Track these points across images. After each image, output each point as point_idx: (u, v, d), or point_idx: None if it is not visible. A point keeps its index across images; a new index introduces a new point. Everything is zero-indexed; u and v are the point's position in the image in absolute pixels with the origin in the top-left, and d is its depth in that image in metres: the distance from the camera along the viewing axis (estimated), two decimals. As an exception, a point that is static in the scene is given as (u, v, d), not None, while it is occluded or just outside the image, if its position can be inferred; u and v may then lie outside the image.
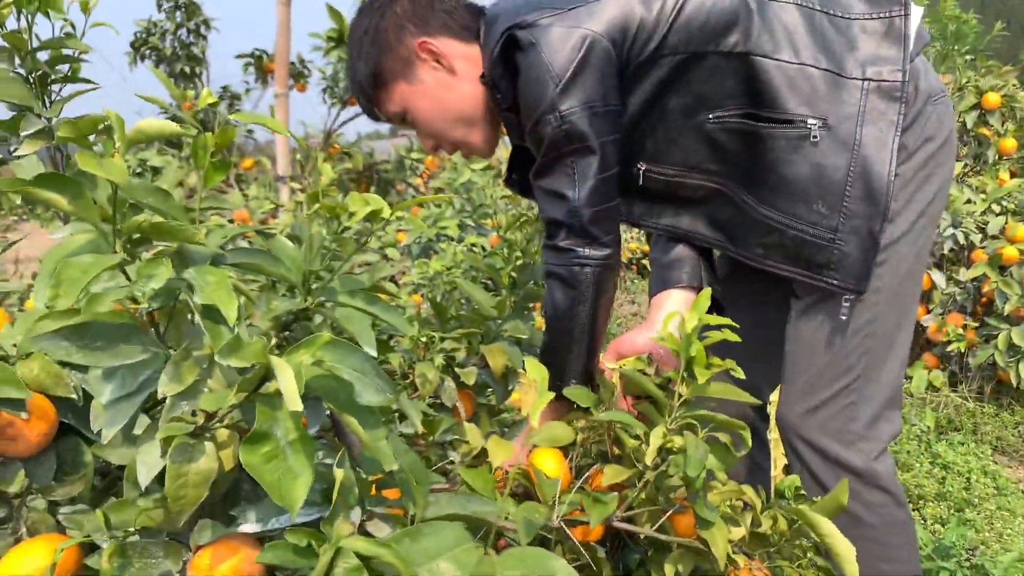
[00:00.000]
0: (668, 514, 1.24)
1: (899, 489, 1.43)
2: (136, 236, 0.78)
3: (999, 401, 3.18)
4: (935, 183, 1.37)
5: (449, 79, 1.35)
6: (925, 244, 1.39)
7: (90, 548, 0.91)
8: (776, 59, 1.26)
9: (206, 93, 0.90)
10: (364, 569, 0.79)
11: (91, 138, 0.80)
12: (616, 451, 1.38)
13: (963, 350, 3.15)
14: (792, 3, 1.29)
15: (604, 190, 1.27)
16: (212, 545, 0.87)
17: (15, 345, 1.00)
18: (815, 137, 1.25)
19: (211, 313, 0.78)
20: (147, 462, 0.83)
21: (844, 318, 1.34)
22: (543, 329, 1.37)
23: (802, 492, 1.38)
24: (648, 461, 1.20)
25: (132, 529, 0.87)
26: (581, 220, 1.25)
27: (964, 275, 3.20)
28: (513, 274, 1.61)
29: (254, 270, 0.89)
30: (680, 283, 1.42)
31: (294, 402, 0.72)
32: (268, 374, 0.80)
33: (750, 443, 1.21)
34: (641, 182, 1.38)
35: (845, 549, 1.17)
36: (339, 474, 0.84)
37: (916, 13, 1.31)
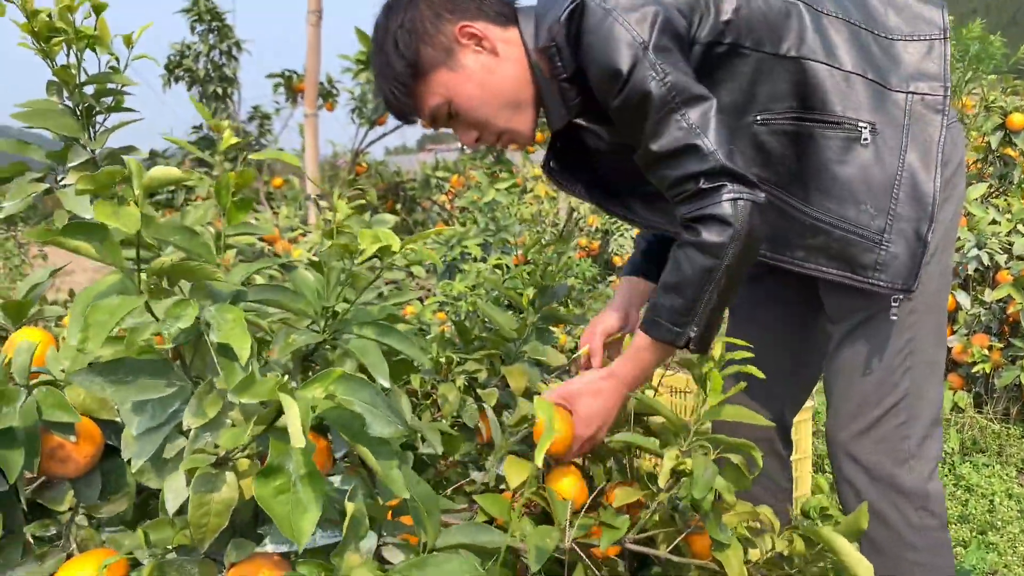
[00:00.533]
0: (683, 535, 1.26)
1: (945, 512, 1.43)
2: (161, 275, 0.83)
3: (1026, 422, 3.14)
4: (953, 204, 1.40)
5: (493, 61, 1.31)
6: (949, 264, 1.42)
7: (133, 564, 0.95)
8: (829, 64, 1.29)
9: (228, 134, 0.95)
10: None
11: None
12: (626, 464, 1.40)
13: (988, 371, 3.13)
14: (841, 19, 1.33)
15: (725, 132, 1.22)
16: (244, 563, 0.91)
17: (63, 370, 1.05)
18: (865, 140, 1.29)
19: (226, 351, 0.82)
20: (174, 490, 0.87)
21: (894, 318, 1.32)
22: (665, 287, 1.26)
23: (829, 513, 1.39)
24: (661, 483, 1.22)
25: (170, 547, 0.91)
26: (720, 161, 1.19)
27: (989, 296, 3.18)
28: (532, 295, 1.64)
29: (275, 305, 0.93)
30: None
31: (298, 439, 0.75)
32: (282, 408, 0.84)
33: (761, 464, 1.23)
34: None
35: (862, 568, 1.18)
36: (350, 507, 0.87)
37: None
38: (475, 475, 1.59)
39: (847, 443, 1.43)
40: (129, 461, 0.99)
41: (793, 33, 1.30)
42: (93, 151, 1.37)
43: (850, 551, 1.22)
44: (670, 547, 1.27)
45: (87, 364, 0.81)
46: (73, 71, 1.35)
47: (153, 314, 0.81)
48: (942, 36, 1.33)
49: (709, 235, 1.19)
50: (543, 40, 1.28)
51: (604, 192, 1.51)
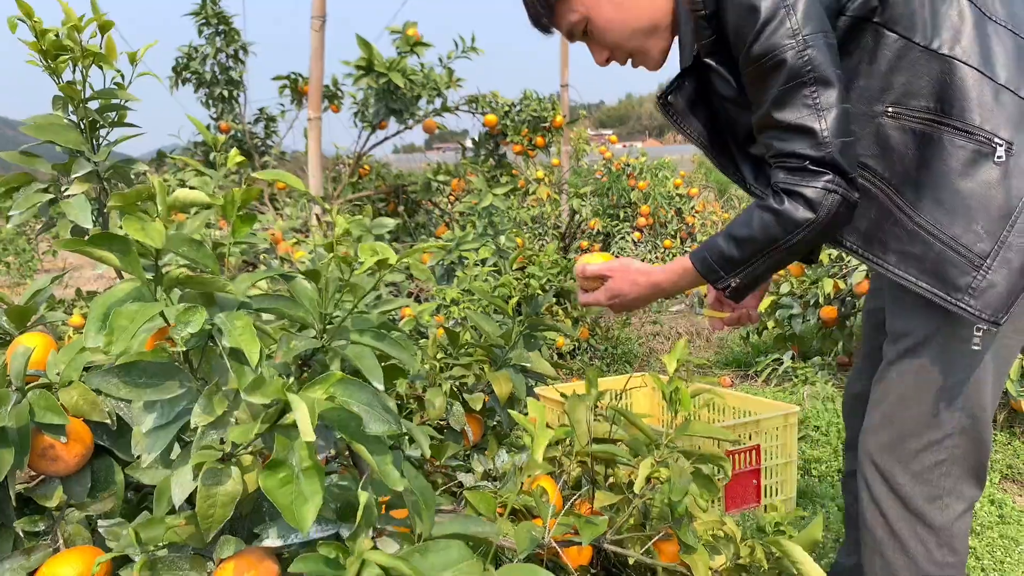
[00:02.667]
0: (653, 541, 1.33)
1: (967, 550, 1.41)
2: (174, 285, 0.90)
3: (1012, 430, 3.20)
4: None
5: None
6: None
7: (122, 560, 1.02)
8: (981, 71, 1.23)
9: (234, 153, 1.02)
10: None
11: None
12: (602, 475, 1.47)
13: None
14: (1009, 29, 1.26)
15: (847, 123, 1.23)
16: (234, 558, 0.97)
17: (58, 373, 1.12)
18: (999, 157, 1.22)
19: (237, 355, 0.90)
20: (181, 483, 0.94)
21: (976, 348, 1.28)
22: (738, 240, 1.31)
23: (782, 529, 1.45)
24: (637, 489, 1.29)
25: (161, 544, 0.98)
26: (832, 152, 1.20)
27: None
28: (519, 305, 1.71)
29: (277, 313, 1.00)
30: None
31: (308, 434, 0.83)
32: (286, 407, 0.91)
33: (730, 474, 1.31)
34: None
35: (816, 575, 1.25)
36: (363, 496, 0.94)
37: None
38: (463, 477, 1.66)
39: (883, 465, 1.39)
40: (120, 460, 1.07)
41: (950, 29, 1.24)
42: (96, 163, 1.45)
43: (806, 560, 1.30)
44: (642, 551, 1.34)
45: (103, 366, 0.88)
46: (78, 87, 1.42)
47: (167, 320, 0.88)
48: None
49: (791, 210, 1.22)
50: None
51: (718, 143, 1.47)
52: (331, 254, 1.01)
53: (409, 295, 4.04)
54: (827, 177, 1.21)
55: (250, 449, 0.94)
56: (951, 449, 1.34)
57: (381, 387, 1.02)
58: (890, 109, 1.28)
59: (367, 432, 0.94)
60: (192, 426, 0.91)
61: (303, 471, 0.86)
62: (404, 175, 5.52)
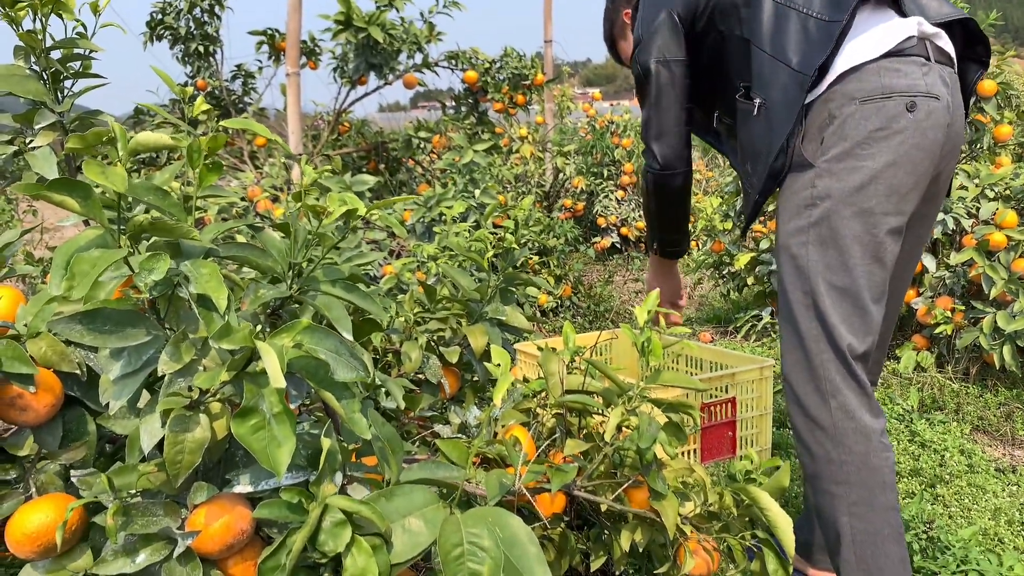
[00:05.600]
0: (624, 487, 1.35)
1: (866, 450, 1.47)
2: (138, 231, 0.89)
3: (984, 382, 3.26)
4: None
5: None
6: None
7: (97, 508, 1.03)
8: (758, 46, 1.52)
9: (200, 102, 1.00)
10: (348, 523, 0.90)
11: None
12: (576, 426, 1.49)
13: (950, 332, 3.23)
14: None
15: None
16: (207, 504, 0.98)
17: (26, 325, 1.12)
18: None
19: (204, 301, 0.90)
20: (149, 431, 0.95)
21: (789, 248, 1.56)
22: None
23: (752, 477, 1.48)
24: (607, 437, 1.31)
25: (134, 491, 0.99)
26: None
27: (954, 259, 3.27)
28: (495, 260, 1.71)
29: (244, 262, 1.00)
30: None
31: (277, 380, 0.83)
32: (254, 355, 0.91)
33: (699, 423, 1.34)
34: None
35: (782, 520, 1.28)
36: (326, 443, 0.95)
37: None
38: (439, 429, 1.67)
39: (789, 379, 1.55)
40: (92, 411, 1.07)
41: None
42: (61, 114, 1.42)
43: (772, 506, 1.33)
44: (612, 497, 1.37)
45: (67, 314, 0.88)
46: (39, 36, 1.40)
47: (131, 267, 0.88)
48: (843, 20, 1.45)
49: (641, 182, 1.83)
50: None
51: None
52: (299, 203, 1.00)
53: (391, 253, 4.02)
54: (646, 162, 1.78)
55: (218, 397, 0.95)
56: (819, 355, 1.47)
57: (349, 336, 1.02)
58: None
59: (335, 379, 0.95)
60: (159, 374, 0.91)
61: (274, 416, 0.86)
62: (385, 133, 5.45)
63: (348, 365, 0.95)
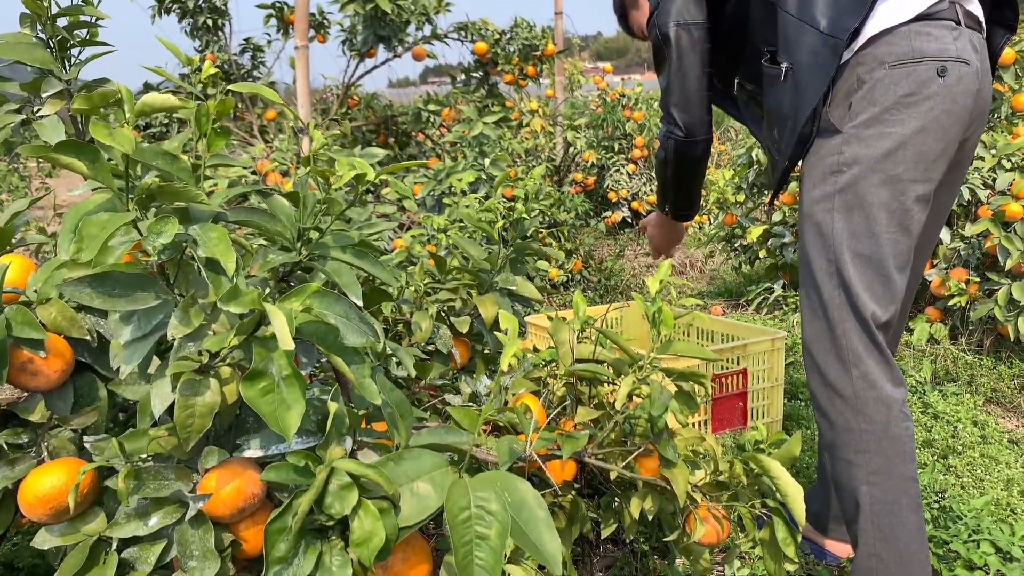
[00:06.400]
0: (634, 455, 1.35)
1: (886, 420, 1.46)
2: (146, 196, 0.89)
3: (998, 354, 3.23)
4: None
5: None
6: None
7: (108, 472, 1.04)
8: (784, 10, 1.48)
9: (208, 65, 1.00)
10: (354, 486, 0.90)
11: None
12: (586, 395, 1.48)
13: (965, 304, 3.21)
14: None
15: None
16: (218, 468, 0.99)
17: (36, 291, 1.12)
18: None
19: (213, 265, 0.89)
20: (160, 395, 0.95)
21: (814, 209, 1.54)
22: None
23: (762, 447, 1.48)
24: (618, 405, 1.31)
25: (145, 456, 0.99)
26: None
27: (969, 230, 3.24)
28: (505, 231, 1.70)
29: (253, 227, 0.99)
30: None
31: (287, 342, 0.83)
32: (263, 319, 0.91)
33: (711, 391, 1.33)
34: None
35: (793, 489, 1.27)
36: (332, 406, 0.95)
37: None
38: (450, 398, 1.67)
39: (809, 348, 1.53)
40: (103, 376, 1.08)
41: None
42: (68, 82, 1.42)
43: (783, 474, 1.32)
44: (622, 465, 1.36)
45: (76, 277, 0.88)
46: (45, 3, 1.38)
47: (139, 230, 0.87)
48: None
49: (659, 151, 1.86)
50: None
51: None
52: (308, 168, 0.99)
53: (401, 227, 4.02)
54: (665, 127, 1.72)
55: (228, 361, 0.95)
56: (842, 324, 1.46)
57: (359, 302, 1.02)
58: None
59: (345, 344, 0.94)
60: (169, 338, 0.91)
61: (283, 379, 0.86)
62: (394, 107, 5.43)
63: (358, 330, 0.94)
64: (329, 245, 1.06)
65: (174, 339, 0.92)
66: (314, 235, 1.02)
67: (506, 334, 1.51)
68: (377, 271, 1.07)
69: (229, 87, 1.01)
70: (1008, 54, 3.53)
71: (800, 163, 1.56)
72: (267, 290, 0.94)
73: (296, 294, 0.91)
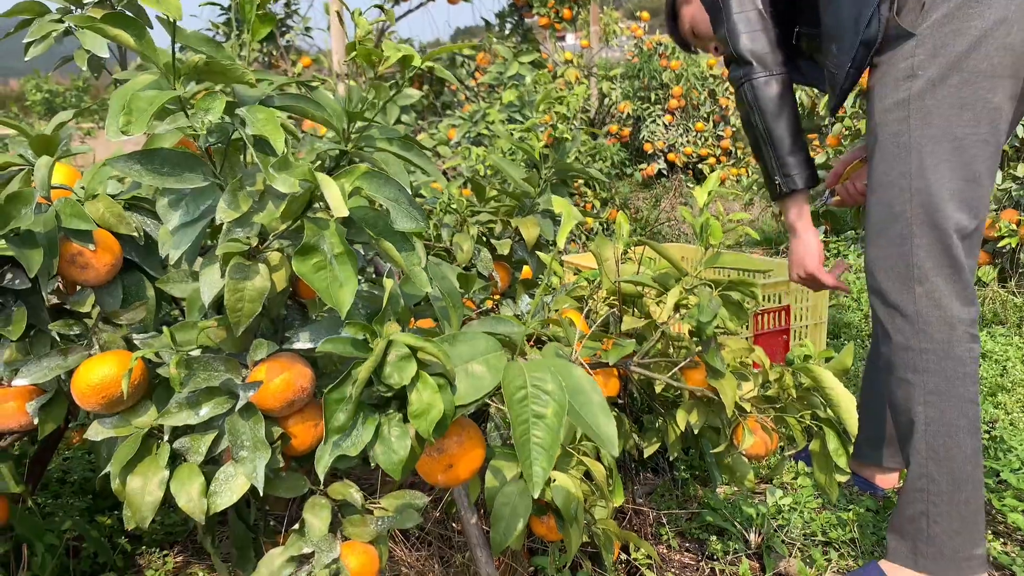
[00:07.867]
0: (680, 367, 1.32)
1: (947, 339, 1.42)
2: (193, 72, 0.87)
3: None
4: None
5: None
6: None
7: (158, 369, 1.04)
8: None
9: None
10: (413, 359, 0.88)
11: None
12: (630, 313, 1.46)
13: (1015, 246, 3.12)
14: None
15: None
16: (267, 361, 0.98)
17: (83, 188, 1.12)
18: None
19: (261, 144, 0.88)
20: (209, 282, 0.94)
21: (898, 140, 1.47)
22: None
23: (812, 361, 1.44)
24: (665, 316, 1.28)
25: (195, 347, 0.99)
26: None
27: (1021, 170, 3.13)
28: (545, 151, 1.66)
29: (299, 113, 0.98)
30: None
31: (340, 209, 0.81)
32: (314, 198, 0.90)
33: (760, 301, 1.30)
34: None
35: (846, 400, 1.24)
36: (388, 283, 0.93)
37: None
38: (504, 309, 1.66)
39: (872, 270, 1.47)
40: (150, 275, 1.07)
41: None
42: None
43: (836, 385, 1.28)
44: (668, 375, 1.34)
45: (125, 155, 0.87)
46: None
47: (185, 110, 0.86)
48: None
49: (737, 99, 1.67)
50: None
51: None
52: (353, 53, 0.97)
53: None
54: (738, 74, 1.59)
55: (276, 247, 0.94)
56: (911, 239, 1.40)
57: (408, 190, 1.00)
58: None
59: (395, 229, 0.93)
60: (217, 221, 0.90)
61: (336, 256, 0.85)
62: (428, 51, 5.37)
63: (408, 214, 0.92)
64: (375, 137, 1.04)
65: (222, 223, 0.91)
66: (360, 123, 1.00)
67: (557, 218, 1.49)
68: (423, 163, 1.05)
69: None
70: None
71: (866, 78, 1.49)
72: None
73: (345, 175, 0.89)
